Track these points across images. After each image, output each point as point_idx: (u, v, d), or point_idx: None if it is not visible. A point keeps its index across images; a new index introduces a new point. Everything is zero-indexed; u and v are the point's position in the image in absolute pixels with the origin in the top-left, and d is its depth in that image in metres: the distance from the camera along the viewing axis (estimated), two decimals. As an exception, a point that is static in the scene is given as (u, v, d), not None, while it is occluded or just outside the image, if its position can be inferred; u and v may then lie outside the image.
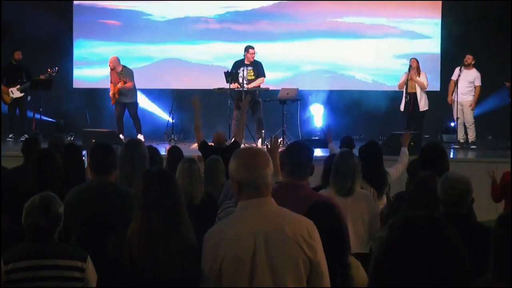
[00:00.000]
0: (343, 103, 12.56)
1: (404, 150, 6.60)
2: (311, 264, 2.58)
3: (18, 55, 11.68)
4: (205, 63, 12.97)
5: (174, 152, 6.49)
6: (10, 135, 11.72)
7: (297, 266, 2.55)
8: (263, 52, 11.94)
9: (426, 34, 13.03)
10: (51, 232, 3.25)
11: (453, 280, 1.65)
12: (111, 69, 11.33)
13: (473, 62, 11.04)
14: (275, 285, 2.55)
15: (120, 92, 11.18)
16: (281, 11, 13.10)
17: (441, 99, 11.99)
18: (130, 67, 11.59)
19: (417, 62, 11.13)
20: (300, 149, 3.74)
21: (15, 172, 5.39)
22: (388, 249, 1.69)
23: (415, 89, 11.02)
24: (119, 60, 11.32)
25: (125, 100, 11.40)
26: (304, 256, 2.56)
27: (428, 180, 4.08)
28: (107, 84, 11.64)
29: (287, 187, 3.61)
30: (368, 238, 4.58)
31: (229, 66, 11.10)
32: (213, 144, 7.48)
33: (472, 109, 11.05)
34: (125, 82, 11.09)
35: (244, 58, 10.97)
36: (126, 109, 11.47)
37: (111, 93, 11.34)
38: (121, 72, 11.25)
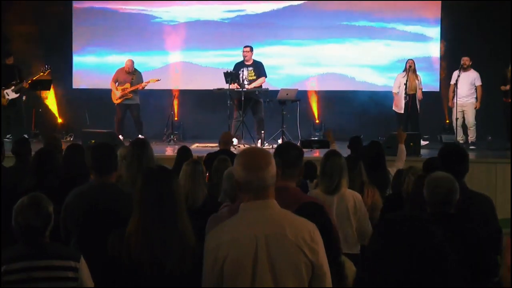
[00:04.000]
0: (343, 104, 12.55)
1: (401, 147, 6.58)
2: (313, 267, 2.56)
3: (10, 61, 11.63)
4: (214, 66, 12.86)
5: (183, 153, 6.42)
6: (8, 136, 11.70)
7: (298, 269, 2.54)
8: (270, 54, 11.93)
9: (425, 34, 13.00)
10: (43, 231, 3.20)
11: (437, 280, 1.63)
12: (125, 70, 11.49)
13: (470, 64, 11.05)
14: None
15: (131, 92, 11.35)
16: (289, 15, 13.07)
17: (440, 100, 12.00)
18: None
19: (414, 63, 11.21)
20: (289, 148, 3.70)
21: (9, 172, 5.36)
22: (373, 250, 1.69)
23: (415, 90, 11.07)
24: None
25: (129, 102, 11.44)
26: (306, 260, 2.55)
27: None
28: (107, 85, 11.63)
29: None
30: (357, 238, 4.57)
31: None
32: (219, 145, 7.39)
33: (476, 109, 11.01)
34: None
35: (244, 59, 10.98)
36: (128, 111, 11.53)
37: (120, 93, 11.37)
38: (134, 73, 11.47)
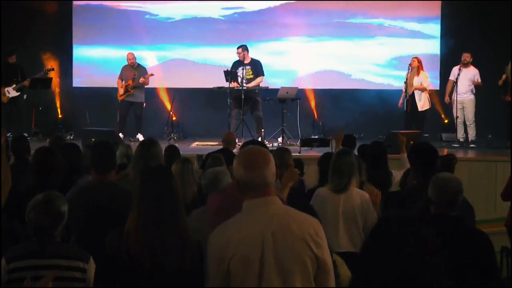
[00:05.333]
0: (343, 102, 12.54)
1: (403, 157, 6.58)
2: (318, 262, 2.58)
3: (13, 59, 11.63)
4: (211, 64, 12.87)
5: (171, 151, 6.41)
6: (8, 134, 11.70)
7: (305, 264, 2.56)
8: (270, 51, 11.89)
9: (425, 33, 13.02)
10: (51, 230, 3.21)
11: (424, 279, 1.61)
12: (128, 65, 11.54)
13: (471, 60, 11.03)
14: (284, 284, 2.55)
15: (133, 88, 11.34)
16: (286, 12, 13.07)
17: (441, 98, 11.99)
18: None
19: (418, 61, 11.01)
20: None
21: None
22: (366, 249, 1.69)
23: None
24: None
25: (133, 99, 11.46)
26: (312, 254, 2.56)
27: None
28: (107, 83, 11.63)
29: None
30: (363, 238, 4.57)
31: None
32: (222, 143, 7.47)
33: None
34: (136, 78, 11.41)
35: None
36: (132, 109, 11.54)
37: (122, 88, 11.39)
38: (137, 68, 11.52)
